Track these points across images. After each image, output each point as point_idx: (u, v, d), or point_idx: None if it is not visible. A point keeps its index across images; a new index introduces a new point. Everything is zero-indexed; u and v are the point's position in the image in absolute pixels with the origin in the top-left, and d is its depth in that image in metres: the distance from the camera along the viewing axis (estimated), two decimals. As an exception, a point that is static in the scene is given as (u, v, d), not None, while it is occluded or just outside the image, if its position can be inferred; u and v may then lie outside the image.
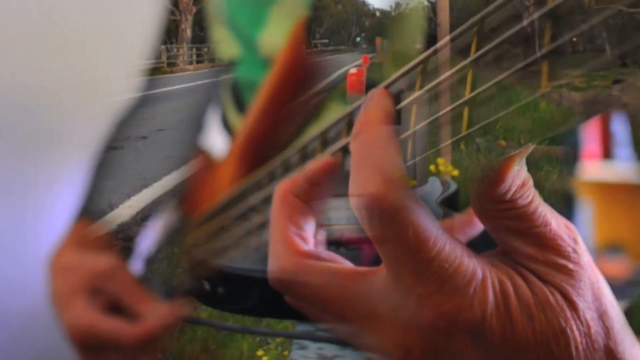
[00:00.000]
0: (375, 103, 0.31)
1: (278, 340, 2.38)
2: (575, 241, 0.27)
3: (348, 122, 0.40)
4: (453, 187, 0.65)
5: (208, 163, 0.68)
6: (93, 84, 0.69)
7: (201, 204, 0.64)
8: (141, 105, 0.69)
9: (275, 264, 0.31)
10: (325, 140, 0.42)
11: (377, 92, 0.31)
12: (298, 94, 0.63)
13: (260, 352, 2.37)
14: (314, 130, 0.44)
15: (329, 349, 0.61)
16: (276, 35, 0.64)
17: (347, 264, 0.31)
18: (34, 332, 0.58)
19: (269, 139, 0.62)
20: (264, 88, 0.63)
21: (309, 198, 0.33)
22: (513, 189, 0.27)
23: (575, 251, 0.27)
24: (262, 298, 0.59)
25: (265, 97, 0.63)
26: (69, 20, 0.66)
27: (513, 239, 0.28)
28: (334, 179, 0.33)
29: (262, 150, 0.60)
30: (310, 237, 0.32)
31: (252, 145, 0.63)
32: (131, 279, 0.58)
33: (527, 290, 0.26)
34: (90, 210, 0.65)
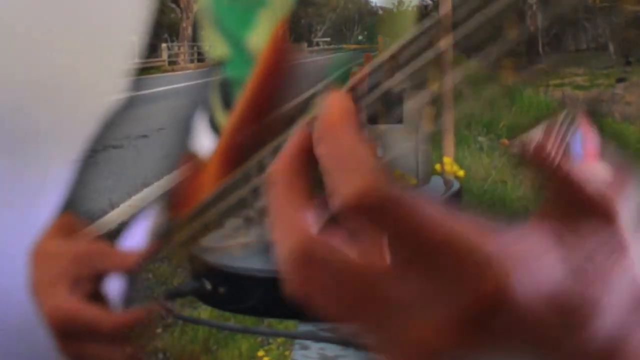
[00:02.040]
0: (330, 104, 0.29)
1: (279, 340, 2.38)
2: (615, 195, 0.26)
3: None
4: (456, 186, 0.65)
5: (195, 162, 0.68)
6: (85, 83, 0.69)
7: (187, 202, 0.64)
8: (134, 104, 0.69)
9: (286, 245, 0.28)
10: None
11: (331, 95, 0.30)
12: (281, 92, 0.63)
13: (261, 353, 2.37)
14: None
15: (331, 349, 0.61)
16: (265, 36, 0.65)
17: (364, 252, 0.28)
18: (33, 333, 0.57)
19: (253, 138, 0.62)
20: (247, 87, 0.63)
21: (309, 172, 0.30)
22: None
23: (611, 206, 0.26)
24: (263, 298, 0.58)
25: (248, 96, 0.63)
26: (58, 19, 0.66)
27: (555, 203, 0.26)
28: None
29: (246, 149, 0.60)
30: (319, 217, 0.30)
31: (235, 144, 0.63)
32: (118, 258, 0.59)
33: (557, 262, 0.25)
34: (75, 203, 0.65)
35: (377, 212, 0.25)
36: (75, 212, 0.64)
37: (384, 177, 0.26)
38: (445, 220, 0.25)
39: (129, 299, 0.63)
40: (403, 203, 0.25)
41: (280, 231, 0.29)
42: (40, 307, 0.58)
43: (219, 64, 0.70)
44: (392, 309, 0.26)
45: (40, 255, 0.60)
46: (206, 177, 0.64)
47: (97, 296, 0.59)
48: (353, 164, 0.26)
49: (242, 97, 0.63)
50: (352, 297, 0.27)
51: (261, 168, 0.50)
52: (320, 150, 0.28)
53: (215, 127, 0.70)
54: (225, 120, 0.68)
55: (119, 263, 0.59)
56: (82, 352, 0.58)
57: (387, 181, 0.25)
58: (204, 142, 0.69)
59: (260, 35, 0.66)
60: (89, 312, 0.57)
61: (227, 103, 0.69)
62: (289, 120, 0.61)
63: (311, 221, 0.29)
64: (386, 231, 0.26)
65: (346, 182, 0.26)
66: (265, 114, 0.62)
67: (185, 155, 0.69)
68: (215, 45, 0.70)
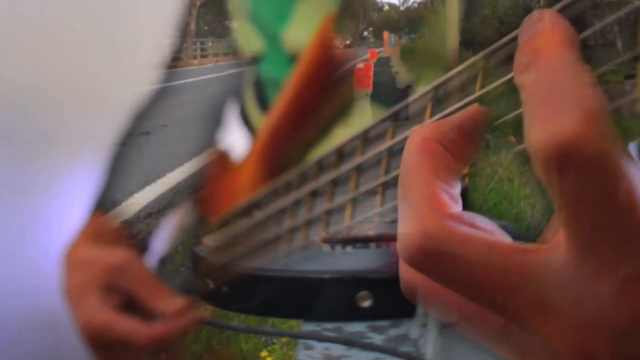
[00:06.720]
0: (549, 24, 0.22)
1: (283, 340, 2.37)
2: None
3: (393, 124, 0.38)
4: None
5: (227, 162, 0.67)
6: (94, 84, 0.69)
7: (220, 205, 0.63)
8: (155, 99, 0.68)
9: (416, 227, 0.23)
10: (366, 140, 0.41)
11: (546, 13, 0.23)
12: (324, 92, 0.61)
13: (264, 353, 2.36)
14: (342, 131, 0.43)
15: (335, 349, 0.60)
16: (302, 31, 0.63)
17: (506, 238, 0.23)
18: (33, 334, 0.57)
19: (293, 139, 0.60)
20: (288, 86, 0.62)
21: (455, 149, 0.26)
22: None
23: None
24: (267, 297, 0.58)
25: (290, 96, 0.62)
26: (70, 21, 0.66)
27: None
28: (483, 130, 0.26)
29: (285, 151, 0.58)
30: (458, 197, 0.25)
31: (274, 146, 0.61)
32: (148, 274, 0.58)
33: None
34: (106, 203, 0.64)
35: (586, 164, 0.19)
36: (104, 210, 0.63)
37: (606, 125, 0.20)
38: None
39: None
40: (619, 163, 0.19)
41: (414, 206, 0.24)
42: (73, 316, 0.56)
43: (253, 59, 0.69)
44: (548, 305, 0.21)
45: (72, 262, 0.58)
46: (240, 179, 0.62)
47: (131, 306, 0.57)
48: (571, 97, 0.20)
49: (281, 97, 0.62)
50: (498, 288, 0.22)
51: (304, 178, 0.49)
52: (527, 79, 0.22)
53: (248, 124, 0.68)
54: (260, 119, 0.66)
55: (148, 284, 0.57)
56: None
57: (608, 131, 0.20)
58: (236, 138, 0.67)
59: (297, 31, 0.63)
60: (123, 324, 0.55)
61: (262, 100, 0.68)
62: (330, 123, 0.60)
63: (452, 200, 0.24)
64: (587, 190, 0.20)
65: (557, 119, 0.20)
66: (307, 115, 0.61)
67: (214, 151, 0.68)
68: (249, 40, 0.68)
